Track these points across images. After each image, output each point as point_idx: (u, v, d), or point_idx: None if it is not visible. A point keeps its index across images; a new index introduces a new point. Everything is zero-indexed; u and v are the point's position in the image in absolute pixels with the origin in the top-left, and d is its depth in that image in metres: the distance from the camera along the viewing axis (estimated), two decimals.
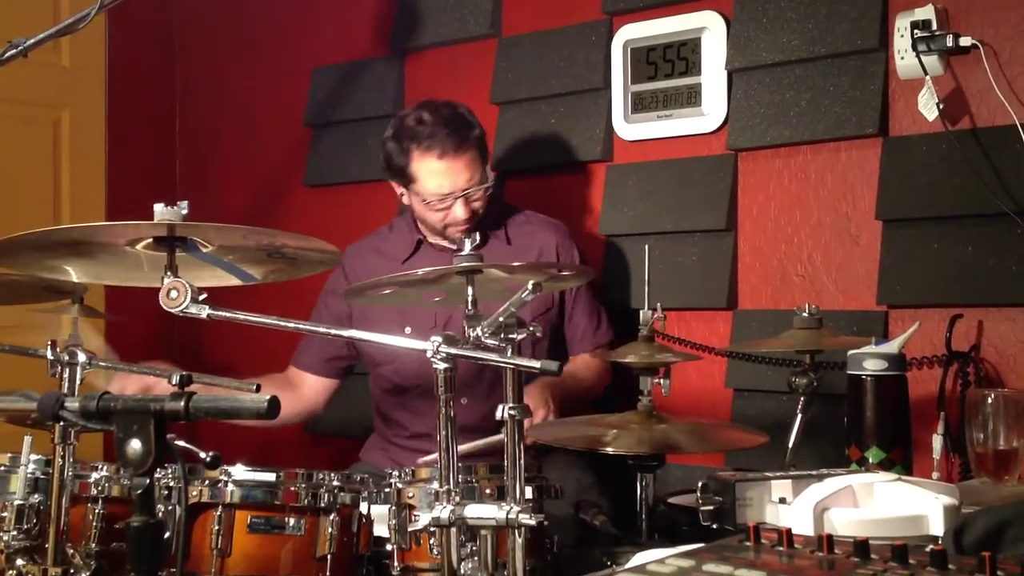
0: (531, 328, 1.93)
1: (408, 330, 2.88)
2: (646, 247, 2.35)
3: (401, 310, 2.89)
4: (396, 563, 2.06)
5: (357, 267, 3.06)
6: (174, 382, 1.57)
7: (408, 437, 2.97)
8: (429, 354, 1.82)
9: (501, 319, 1.88)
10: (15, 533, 2.10)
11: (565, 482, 2.28)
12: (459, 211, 2.85)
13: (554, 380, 2.74)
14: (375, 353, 2.97)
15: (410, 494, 2.08)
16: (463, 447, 2.16)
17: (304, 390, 3.10)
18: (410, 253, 3.02)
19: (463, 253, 1.99)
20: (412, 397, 2.93)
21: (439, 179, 2.83)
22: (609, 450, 2.09)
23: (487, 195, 2.90)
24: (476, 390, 2.78)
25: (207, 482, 2.07)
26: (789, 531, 1.47)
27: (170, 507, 2.05)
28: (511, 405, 1.87)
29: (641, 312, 2.22)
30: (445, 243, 2.96)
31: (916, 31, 2.68)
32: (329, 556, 2.07)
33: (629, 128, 3.23)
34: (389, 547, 2.08)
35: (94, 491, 2.19)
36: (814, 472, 2.02)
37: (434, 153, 2.81)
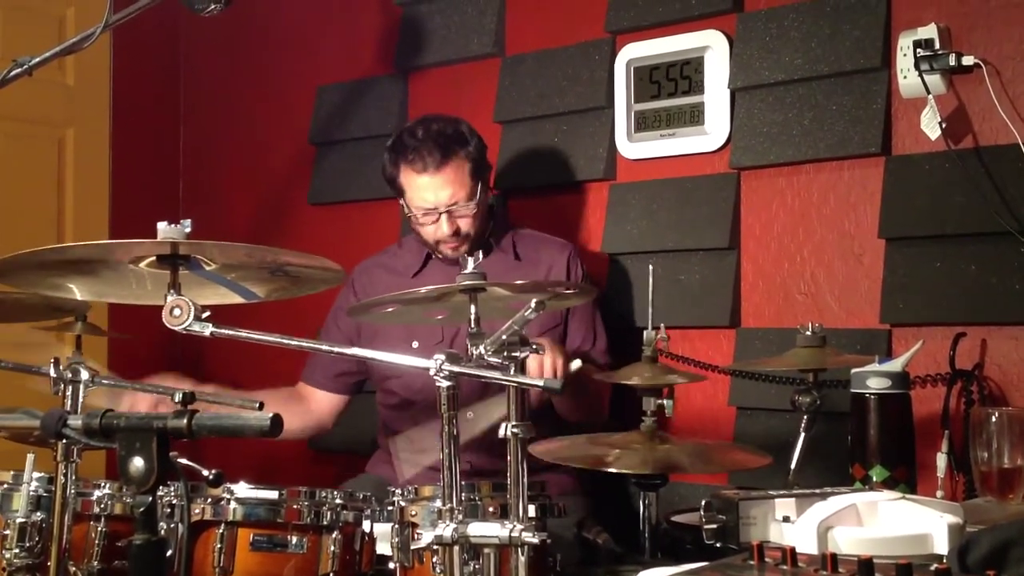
0: (534, 346, 1.93)
1: (415, 344, 2.89)
2: (650, 266, 2.35)
3: (408, 325, 2.89)
4: None
5: (366, 284, 3.07)
6: (177, 400, 1.57)
7: (416, 454, 2.96)
8: (432, 372, 1.82)
9: (504, 337, 1.88)
10: (17, 551, 2.10)
11: (568, 501, 2.27)
12: (444, 227, 2.86)
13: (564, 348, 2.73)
14: (383, 368, 2.96)
15: (413, 512, 2.08)
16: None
17: (313, 405, 3.10)
18: (419, 268, 3.02)
19: (466, 271, 1.99)
20: (419, 411, 2.93)
21: (422, 193, 2.86)
22: (612, 470, 2.07)
23: (479, 213, 2.89)
24: (482, 406, 2.76)
25: (209, 500, 2.07)
26: (793, 550, 1.47)
27: (172, 525, 2.05)
28: (514, 423, 1.87)
29: (645, 332, 2.21)
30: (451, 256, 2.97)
31: (919, 50, 2.68)
32: (331, 574, 2.07)
33: (632, 147, 3.23)
34: (392, 565, 2.08)
35: (96, 509, 2.19)
36: (818, 491, 2.02)
37: (417, 167, 2.85)
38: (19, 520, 2.12)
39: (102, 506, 2.19)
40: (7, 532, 2.12)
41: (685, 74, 3.14)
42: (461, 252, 2.90)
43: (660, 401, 2.18)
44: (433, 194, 2.84)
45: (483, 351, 1.88)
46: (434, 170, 2.83)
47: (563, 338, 2.98)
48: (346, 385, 3.12)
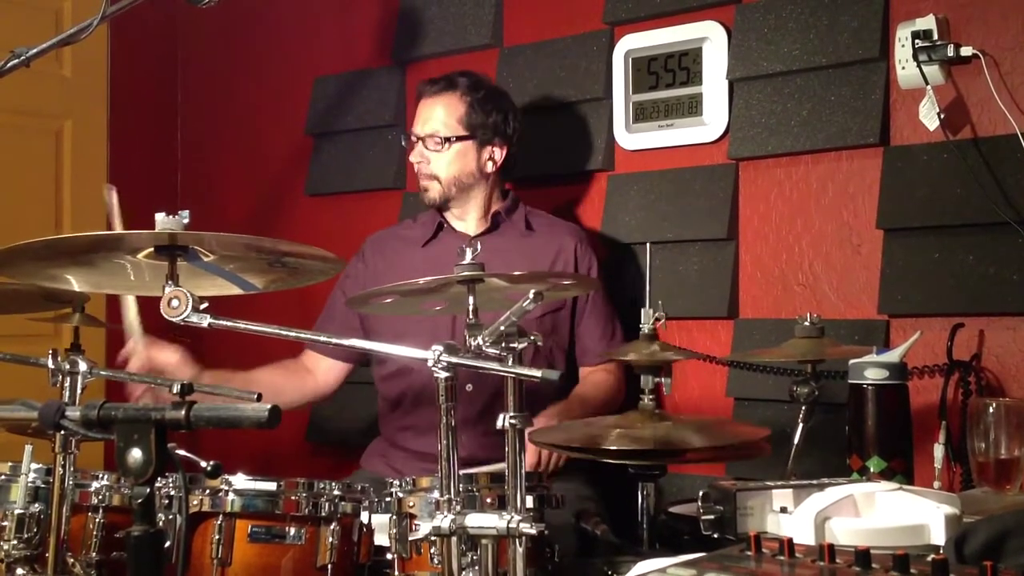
0: (532, 337, 1.92)
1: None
2: (647, 250, 2.35)
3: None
4: (397, 572, 2.06)
5: (376, 252, 3.10)
6: (175, 391, 1.57)
7: (412, 435, 2.95)
8: (430, 363, 1.82)
9: (502, 328, 1.88)
10: (15, 542, 2.10)
11: (566, 491, 2.27)
12: (415, 153, 2.97)
13: (562, 409, 2.73)
14: (385, 333, 2.93)
15: (411, 503, 2.08)
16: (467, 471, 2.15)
17: (318, 374, 3.11)
18: (430, 237, 3.04)
19: (463, 262, 1.98)
20: (416, 382, 2.92)
21: (416, 117, 2.99)
22: (612, 448, 2.04)
23: (454, 161, 2.93)
24: (482, 380, 2.75)
25: (208, 491, 2.07)
26: (790, 540, 1.47)
27: (171, 516, 2.05)
28: (512, 414, 1.86)
29: (643, 310, 2.20)
30: (462, 227, 3.01)
31: (917, 41, 2.68)
32: (329, 565, 2.07)
33: (630, 138, 3.23)
34: (390, 556, 2.08)
35: (95, 500, 2.19)
36: (815, 481, 2.02)
37: (421, 90, 3.02)
38: (17, 511, 2.12)
39: (100, 497, 2.19)
40: (5, 523, 2.11)
41: (683, 65, 3.14)
42: (430, 197, 2.97)
43: (659, 379, 2.17)
44: (420, 119, 2.97)
45: (481, 342, 1.88)
46: (427, 97, 2.98)
47: (570, 322, 2.98)
48: (353, 353, 3.11)
